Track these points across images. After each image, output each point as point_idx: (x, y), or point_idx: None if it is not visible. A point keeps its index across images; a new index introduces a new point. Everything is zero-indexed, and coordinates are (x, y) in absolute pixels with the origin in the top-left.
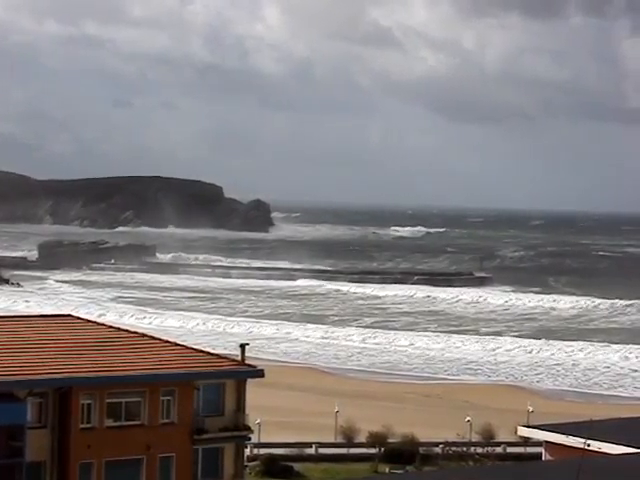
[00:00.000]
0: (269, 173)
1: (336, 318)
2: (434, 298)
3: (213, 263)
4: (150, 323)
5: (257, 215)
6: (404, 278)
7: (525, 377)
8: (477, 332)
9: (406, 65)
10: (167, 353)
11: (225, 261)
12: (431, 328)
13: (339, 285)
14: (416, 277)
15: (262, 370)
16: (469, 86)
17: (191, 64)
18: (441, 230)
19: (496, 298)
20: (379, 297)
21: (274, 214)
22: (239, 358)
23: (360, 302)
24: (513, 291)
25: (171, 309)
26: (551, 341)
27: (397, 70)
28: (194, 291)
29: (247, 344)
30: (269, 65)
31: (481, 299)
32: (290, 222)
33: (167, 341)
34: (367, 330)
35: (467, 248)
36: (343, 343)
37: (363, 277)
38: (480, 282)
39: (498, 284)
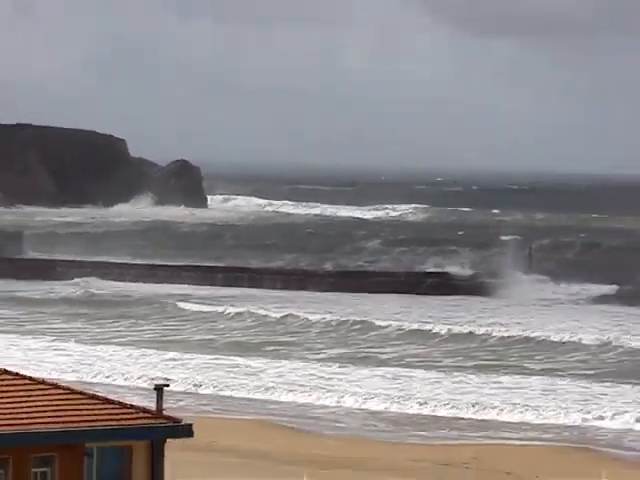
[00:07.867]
0: (192, 117)
1: (293, 346)
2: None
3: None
4: None
5: (183, 185)
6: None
7: (597, 434)
8: (527, 368)
9: None
10: (40, 400)
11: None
12: (450, 362)
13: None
14: (430, 280)
15: (190, 425)
16: None
17: None
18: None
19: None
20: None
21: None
22: (153, 407)
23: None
24: (583, 300)
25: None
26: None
27: None
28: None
29: (167, 385)
30: None
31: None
32: (231, 193)
33: (40, 381)
34: (345, 363)
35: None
36: (307, 381)
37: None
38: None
39: (561, 293)
